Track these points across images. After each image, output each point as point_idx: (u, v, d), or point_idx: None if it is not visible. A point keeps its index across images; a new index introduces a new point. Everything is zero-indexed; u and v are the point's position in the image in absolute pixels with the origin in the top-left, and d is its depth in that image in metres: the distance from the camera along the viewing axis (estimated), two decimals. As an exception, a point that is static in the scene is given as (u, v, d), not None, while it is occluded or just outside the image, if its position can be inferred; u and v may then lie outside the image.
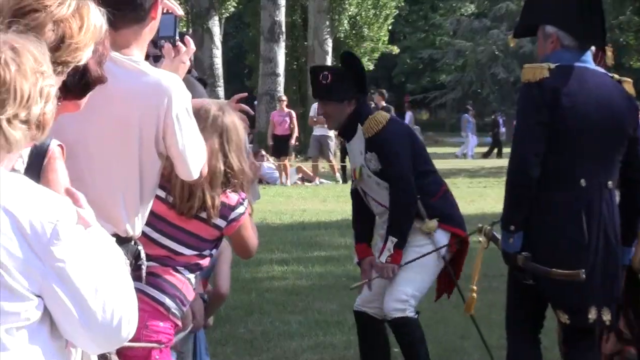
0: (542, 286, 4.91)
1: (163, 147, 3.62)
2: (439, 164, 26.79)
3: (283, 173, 22.75)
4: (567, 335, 5.13)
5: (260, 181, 21.61)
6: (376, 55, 40.75)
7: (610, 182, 4.94)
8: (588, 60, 4.98)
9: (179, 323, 4.04)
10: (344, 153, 16.28)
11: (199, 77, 9.29)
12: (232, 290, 10.05)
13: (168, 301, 3.92)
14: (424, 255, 5.99)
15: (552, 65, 4.85)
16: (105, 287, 2.34)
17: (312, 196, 19.89)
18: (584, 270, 4.70)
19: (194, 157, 3.67)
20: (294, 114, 23.38)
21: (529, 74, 4.86)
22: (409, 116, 44.41)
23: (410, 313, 6.00)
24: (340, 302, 9.07)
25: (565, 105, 4.81)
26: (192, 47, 3.98)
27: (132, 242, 3.68)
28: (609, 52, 5.16)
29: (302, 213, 16.36)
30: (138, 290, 3.81)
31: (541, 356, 5.17)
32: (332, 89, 5.97)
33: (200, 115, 3.97)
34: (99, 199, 3.51)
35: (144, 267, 3.78)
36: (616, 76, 5.10)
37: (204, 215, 4.00)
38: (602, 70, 5.07)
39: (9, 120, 2.28)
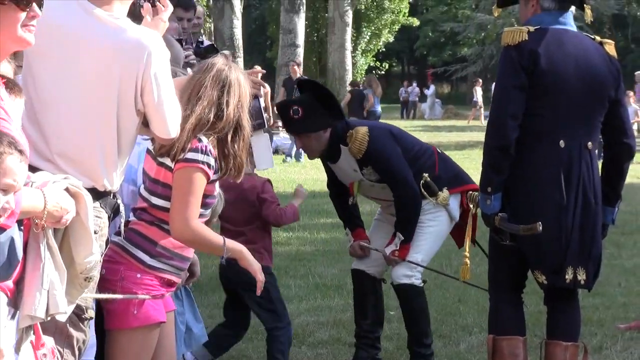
0: (520, 247, 4.95)
1: (141, 104, 3.65)
2: (457, 137, 26.32)
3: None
4: (547, 294, 5.19)
5: (276, 151, 21.62)
6: (396, 27, 40.60)
7: (590, 143, 4.96)
8: (568, 22, 5.00)
9: (166, 276, 3.96)
10: None
11: (214, 46, 9.33)
12: (235, 255, 10.21)
13: (141, 254, 3.90)
14: None
15: (532, 28, 4.88)
16: None
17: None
18: (540, 223, 4.73)
19: (171, 116, 3.69)
20: None
21: (508, 37, 4.88)
22: (431, 89, 44.48)
23: (416, 281, 6.06)
24: (342, 267, 9.14)
25: (543, 67, 4.83)
26: (170, 7, 4.05)
27: (111, 196, 3.73)
28: (588, 10, 5.15)
29: (314, 182, 16.16)
30: (115, 244, 3.90)
31: (523, 316, 5.19)
32: (306, 122, 5.86)
33: (205, 67, 3.97)
34: (77, 154, 3.62)
35: (122, 220, 3.86)
36: (598, 38, 5.12)
37: (167, 161, 3.93)
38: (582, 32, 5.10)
39: None
